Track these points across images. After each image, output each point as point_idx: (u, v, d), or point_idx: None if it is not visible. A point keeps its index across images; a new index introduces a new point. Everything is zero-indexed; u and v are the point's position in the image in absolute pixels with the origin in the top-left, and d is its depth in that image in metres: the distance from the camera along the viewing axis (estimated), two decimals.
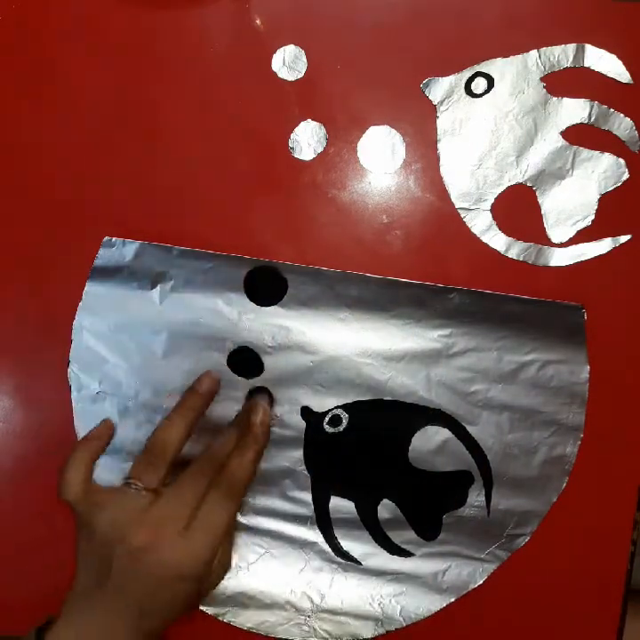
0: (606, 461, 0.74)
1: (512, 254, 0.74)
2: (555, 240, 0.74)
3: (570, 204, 0.74)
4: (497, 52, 0.73)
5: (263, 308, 0.74)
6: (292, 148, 0.75)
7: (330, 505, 0.75)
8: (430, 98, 0.74)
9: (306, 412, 0.75)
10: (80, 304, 0.75)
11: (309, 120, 0.75)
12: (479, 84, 0.74)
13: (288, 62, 0.74)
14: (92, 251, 0.75)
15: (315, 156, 0.75)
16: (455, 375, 0.74)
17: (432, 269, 0.74)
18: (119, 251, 0.75)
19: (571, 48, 0.73)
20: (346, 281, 0.74)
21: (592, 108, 0.73)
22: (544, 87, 0.73)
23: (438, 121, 0.74)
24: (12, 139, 0.76)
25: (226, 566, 0.71)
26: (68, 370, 0.75)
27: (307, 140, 0.75)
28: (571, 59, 0.73)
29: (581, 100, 0.73)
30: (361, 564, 0.75)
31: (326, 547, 0.75)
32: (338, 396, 0.75)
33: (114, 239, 0.75)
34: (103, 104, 0.76)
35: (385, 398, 0.75)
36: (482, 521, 0.74)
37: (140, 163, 0.76)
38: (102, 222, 0.75)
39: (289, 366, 0.75)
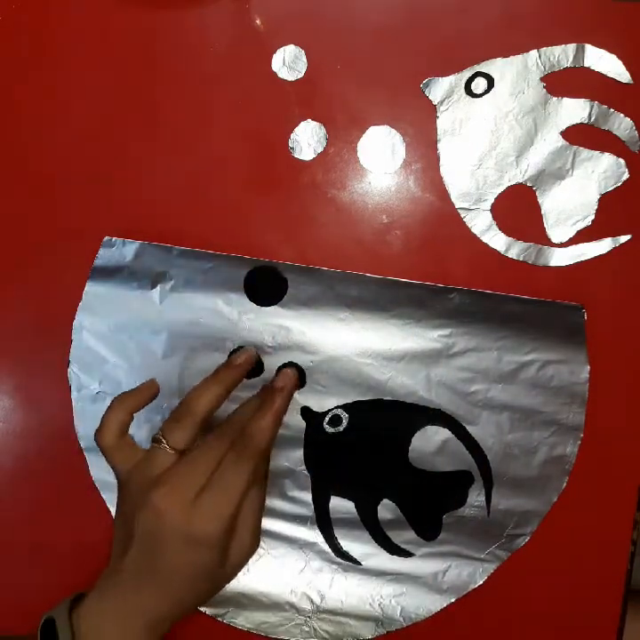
0: (606, 461, 0.74)
1: (512, 254, 0.74)
2: (555, 240, 0.74)
3: (570, 203, 0.74)
4: (497, 52, 0.73)
5: (263, 308, 0.74)
6: (292, 148, 0.75)
7: (330, 505, 0.75)
8: (430, 98, 0.74)
9: (306, 411, 0.75)
10: (80, 304, 0.75)
11: (309, 120, 0.74)
12: (479, 84, 0.74)
13: (288, 62, 0.74)
14: (92, 251, 0.75)
15: (315, 156, 0.75)
16: (455, 375, 0.74)
17: (432, 269, 0.74)
18: (119, 251, 0.75)
19: (571, 48, 0.73)
20: (346, 281, 0.74)
21: (592, 108, 0.73)
22: (544, 87, 0.73)
23: (438, 121, 0.74)
24: (13, 138, 0.76)
25: (251, 544, 0.67)
26: (68, 370, 0.75)
27: (307, 139, 0.75)
28: (571, 59, 0.73)
29: (581, 100, 0.73)
30: (361, 564, 0.75)
31: (326, 547, 0.75)
32: (338, 396, 0.75)
33: (114, 239, 0.75)
34: (103, 104, 0.76)
35: (385, 398, 0.75)
36: (482, 521, 0.74)
37: (140, 162, 0.76)
38: (102, 222, 0.75)
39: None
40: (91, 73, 0.75)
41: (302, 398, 0.75)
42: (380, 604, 0.74)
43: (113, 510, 0.75)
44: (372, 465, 0.75)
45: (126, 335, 0.75)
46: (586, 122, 0.73)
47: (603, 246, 0.73)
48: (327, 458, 0.75)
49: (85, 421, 0.75)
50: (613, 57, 0.73)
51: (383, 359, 0.74)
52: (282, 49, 0.74)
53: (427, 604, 0.74)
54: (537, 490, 0.74)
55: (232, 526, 0.62)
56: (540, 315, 0.73)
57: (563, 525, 0.74)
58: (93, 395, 0.75)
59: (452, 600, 0.74)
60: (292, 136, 0.74)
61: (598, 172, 0.73)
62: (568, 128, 0.73)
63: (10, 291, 0.76)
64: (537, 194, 0.74)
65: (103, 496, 0.76)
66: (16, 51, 0.76)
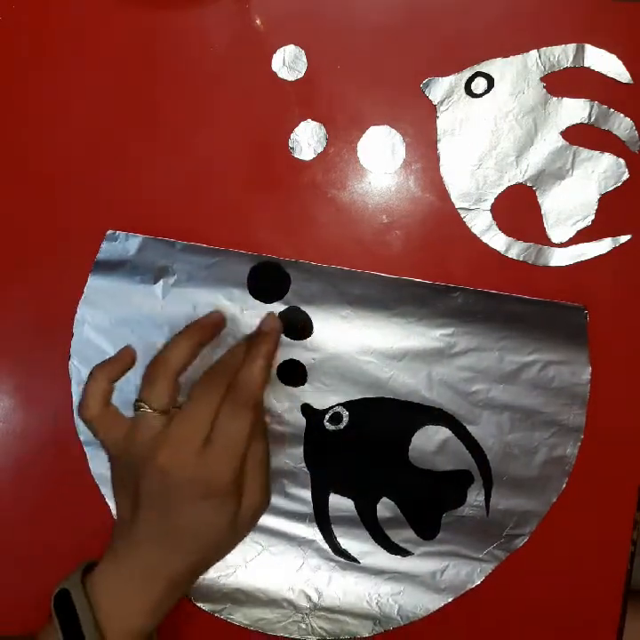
0: (606, 462, 0.74)
1: (512, 254, 0.74)
2: (555, 240, 0.74)
3: (570, 203, 0.74)
4: (497, 52, 0.73)
5: (265, 304, 0.74)
6: (292, 148, 0.75)
7: (329, 503, 0.75)
8: (430, 98, 0.74)
9: (306, 409, 0.75)
10: (82, 297, 0.76)
11: (309, 120, 0.75)
12: (479, 84, 0.74)
13: (288, 62, 0.74)
14: (94, 244, 0.75)
15: (315, 156, 0.75)
16: (456, 374, 0.74)
17: (432, 269, 0.74)
18: (122, 244, 0.75)
19: (571, 48, 0.73)
20: (349, 279, 0.74)
21: (592, 108, 0.73)
22: (544, 87, 0.73)
23: (438, 121, 0.74)
24: (14, 137, 0.77)
25: (261, 500, 0.67)
26: (69, 363, 0.76)
27: (307, 139, 0.75)
28: (571, 59, 0.73)
29: (581, 100, 0.73)
30: (359, 562, 0.75)
31: (325, 545, 0.75)
32: (339, 394, 0.75)
33: (117, 232, 0.75)
34: (103, 104, 0.76)
35: (386, 397, 0.75)
36: (481, 521, 0.75)
37: (139, 162, 0.76)
38: (102, 221, 0.76)
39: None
40: (91, 73, 0.76)
41: (303, 395, 0.75)
42: (377, 603, 0.75)
43: (112, 505, 0.75)
44: (372, 463, 0.75)
45: (128, 329, 0.75)
46: (586, 122, 0.73)
47: (603, 246, 0.73)
48: (327, 455, 0.75)
49: None
50: (613, 57, 0.72)
51: (385, 357, 0.74)
52: (282, 49, 0.74)
53: (424, 602, 0.74)
54: (537, 490, 0.74)
55: (240, 479, 0.62)
56: (543, 315, 0.73)
57: (562, 525, 0.74)
58: None
59: (450, 599, 0.74)
60: (292, 136, 0.75)
61: (598, 172, 0.73)
62: (568, 128, 0.73)
63: (10, 287, 0.77)
64: (537, 194, 0.74)
65: (102, 491, 0.76)
66: (16, 51, 0.76)
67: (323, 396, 0.75)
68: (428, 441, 0.75)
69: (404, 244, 0.75)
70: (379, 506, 0.75)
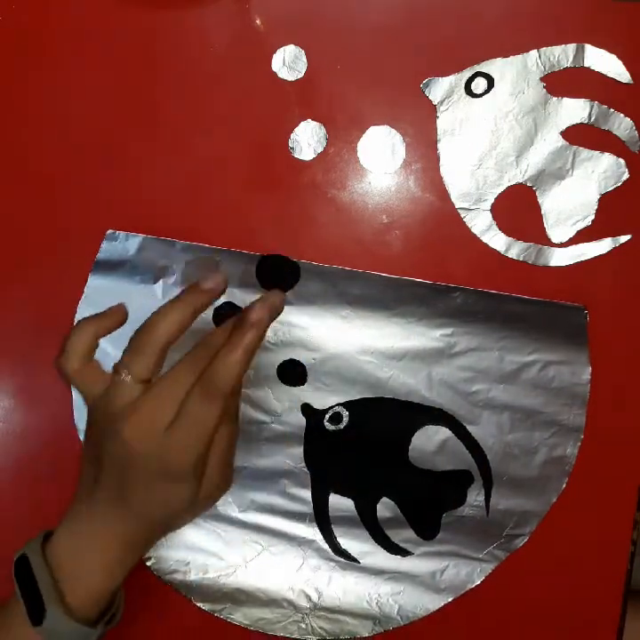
0: (606, 462, 0.74)
1: (512, 254, 0.74)
2: (555, 240, 0.74)
3: (570, 203, 0.74)
4: (497, 52, 0.73)
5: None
6: (292, 148, 0.75)
7: (329, 503, 0.75)
8: (430, 98, 0.74)
9: (306, 409, 0.75)
10: (82, 297, 0.76)
11: (309, 120, 0.75)
12: (479, 84, 0.74)
13: (288, 62, 0.75)
14: (94, 244, 0.75)
15: (315, 156, 0.75)
16: (456, 374, 0.74)
17: (432, 269, 0.74)
18: (122, 244, 0.75)
19: (571, 48, 0.73)
20: (349, 278, 0.74)
21: (592, 108, 0.73)
22: (544, 87, 0.73)
23: (438, 121, 0.74)
24: (14, 137, 0.77)
25: (222, 482, 0.64)
26: None
27: (307, 139, 0.75)
28: (571, 59, 0.73)
29: (581, 100, 0.73)
30: (359, 562, 0.75)
31: (324, 545, 0.75)
32: (339, 394, 0.75)
33: (117, 232, 0.75)
34: (103, 104, 0.76)
35: (386, 396, 0.75)
36: (481, 521, 0.74)
37: (140, 162, 0.76)
38: (102, 221, 0.76)
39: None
40: (91, 73, 0.76)
41: (303, 395, 0.75)
42: (377, 603, 0.75)
43: None
44: (372, 463, 0.75)
45: (128, 329, 0.75)
46: (586, 122, 0.73)
47: (603, 246, 0.73)
48: (327, 455, 0.75)
49: (85, 415, 0.76)
50: (613, 57, 0.73)
51: (385, 357, 0.74)
52: (282, 49, 0.75)
53: (424, 602, 0.74)
54: (537, 490, 0.74)
55: (203, 461, 0.60)
56: (543, 315, 0.73)
57: (562, 525, 0.74)
58: None
59: (450, 599, 0.74)
60: (292, 136, 0.75)
61: (598, 172, 0.73)
62: (568, 128, 0.73)
63: (10, 287, 0.77)
64: (537, 194, 0.74)
65: None
66: (16, 51, 0.76)
67: (323, 395, 0.75)
68: (428, 441, 0.75)
69: (403, 244, 0.75)
70: (379, 506, 0.75)
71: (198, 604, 0.75)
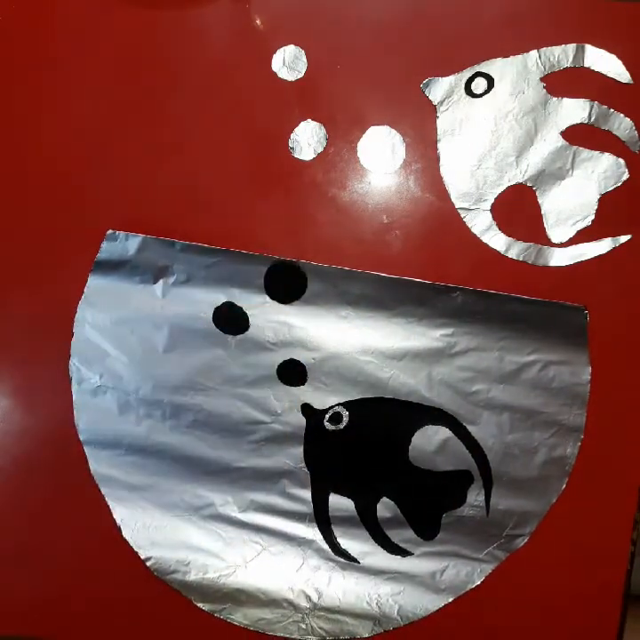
0: (606, 462, 0.74)
1: (512, 254, 0.74)
2: (555, 240, 0.74)
3: (570, 203, 0.74)
4: (497, 52, 0.73)
5: (266, 303, 0.75)
6: (292, 148, 0.75)
7: (329, 503, 0.75)
8: (430, 98, 0.74)
9: (306, 409, 0.75)
10: (82, 297, 0.76)
11: (309, 120, 0.75)
12: (479, 84, 0.74)
13: (288, 62, 0.75)
14: (94, 244, 0.75)
15: (315, 156, 0.75)
16: (457, 374, 0.74)
17: (432, 269, 0.74)
18: (122, 244, 0.75)
19: (571, 48, 0.73)
20: (349, 278, 0.74)
21: (592, 108, 0.73)
22: (544, 87, 0.73)
23: (438, 121, 0.74)
24: (15, 136, 0.77)
25: None
26: (69, 363, 0.76)
27: (307, 139, 0.75)
28: (571, 59, 0.73)
29: (581, 100, 0.73)
30: (359, 562, 0.75)
31: (324, 545, 0.75)
32: (339, 394, 0.75)
33: (117, 232, 0.75)
34: (104, 103, 0.76)
35: (386, 396, 0.75)
36: (481, 521, 0.74)
37: (140, 162, 0.76)
38: (102, 221, 0.76)
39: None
40: (91, 73, 0.76)
41: (303, 395, 0.75)
42: (377, 603, 0.74)
43: (112, 505, 0.75)
44: (372, 463, 0.75)
45: (128, 329, 0.76)
46: (586, 122, 0.73)
47: (603, 246, 0.73)
48: (327, 455, 0.75)
49: (85, 415, 0.76)
50: (613, 57, 0.73)
51: (385, 357, 0.74)
52: (282, 49, 0.75)
53: (424, 603, 0.74)
54: (537, 490, 0.74)
55: None
56: (543, 315, 0.73)
57: (562, 526, 0.74)
58: (94, 388, 0.76)
59: (450, 600, 0.74)
60: (291, 136, 0.75)
61: (598, 172, 0.73)
62: (568, 128, 0.73)
63: (11, 287, 0.77)
64: (537, 194, 0.74)
65: (103, 491, 0.76)
66: (16, 51, 0.76)
67: (323, 395, 0.75)
68: (428, 441, 0.74)
69: (403, 244, 0.75)
70: (379, 506, 0.75)
71: (198, 605, 0.75)
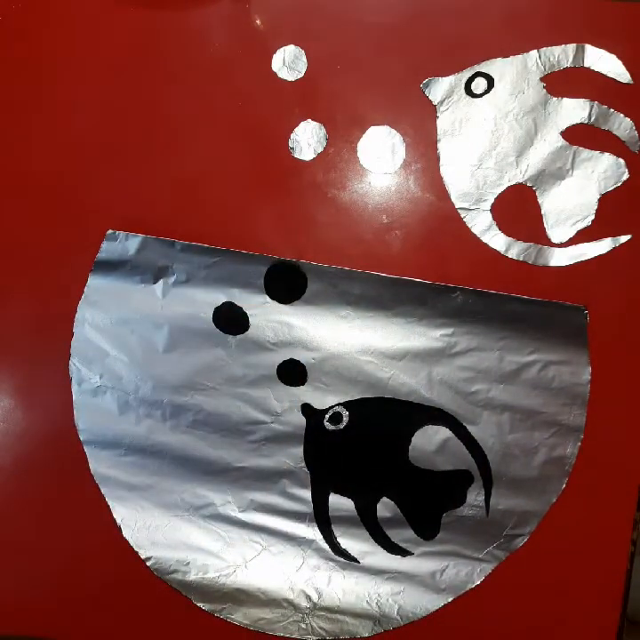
0: (606, 462, 0.74)
1: (512, 254, 0.74)
2: (555, 240, 0.74)
3: (570, 203, 0.74)
4: (497, 52, 0.73)
5: (266, 303, 0.75)
6: (292, 148, 0.75)
7: (329, 503, 0.75)
8: (430, 98, 0.74)
9: (306, 409, 0.75)
10: (82, 297, 0.76)
11: (309, 120, 0.75)
12: (479, 84, 0.74)
13: (288, 62, 0.75)
14: (94, 244, 0.75)
15: (315, 156, 0.75)
16: (457, 374, 0.74)
17: (432, 269, 0.74)
18: (122, 244, 0.75)
19: (571, 48, 0.73)
20: (349, 278, 0.74)
21: (592, 108, 0.73)
22: (544, 87, 0.73)
23: (438, 121, 0.74)
24: (15, 136, 0.77)
25: None
26: (70, 363, 0.76)
27: (307, 139, 0.75)
28: (571, 59, 0.73)
29: (581, 100, 0.73)
30: (359, 562, 0.75)
31: (324, 544, 0.75)
32: (339, 394, 0.75)
33: (117, 232, 0.75)
34: (104, 103, 0.76)
35: (386, 396, 0.75)
36: (481, 521, 0.74)
37: (140, 162, 0.76)
38: (102, 221, 0.76)
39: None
40: (91, 73, 0.76)
41: (303, 395, 0.75)
42: (377, 603, 0.74)
43: (112, 505, 0.75)
44: (372, 463, 0.75)
45: (128, 329, 0.76)
46: (586, 122, 0.73)
47: (603, 246, 0.73)
48: (327, 455, 0.75)
49: (85, 415, 0.76)
50: (613, 57, 0.73)
51: (385, 357, 0.74)
52: (282, 49, 0.75)
53: (424, 602, 0.74)
54: (537, 490, 0.74)
55: None
56: (543, 315, 0.73)
57: (562, 525, 0.74)
58: (94, 388, 0.76)
59: (450, 599, 0.74)
60: (292, 136, 0.75)
61: (598, 172, 0.73)
62: (568, 128, 0.73)
63: (11, 286, 0.77)
64: (537, 194, 0.74)
65: (102, 491, 0.76)
66: (16, 51, 0.76)
67: (323, 395, 0.75)
68: (428, 441, 0.74)
69: (403, 244, 0.75)
70: (379, 506, 0.75)
71: (198, 604, 0.75)
